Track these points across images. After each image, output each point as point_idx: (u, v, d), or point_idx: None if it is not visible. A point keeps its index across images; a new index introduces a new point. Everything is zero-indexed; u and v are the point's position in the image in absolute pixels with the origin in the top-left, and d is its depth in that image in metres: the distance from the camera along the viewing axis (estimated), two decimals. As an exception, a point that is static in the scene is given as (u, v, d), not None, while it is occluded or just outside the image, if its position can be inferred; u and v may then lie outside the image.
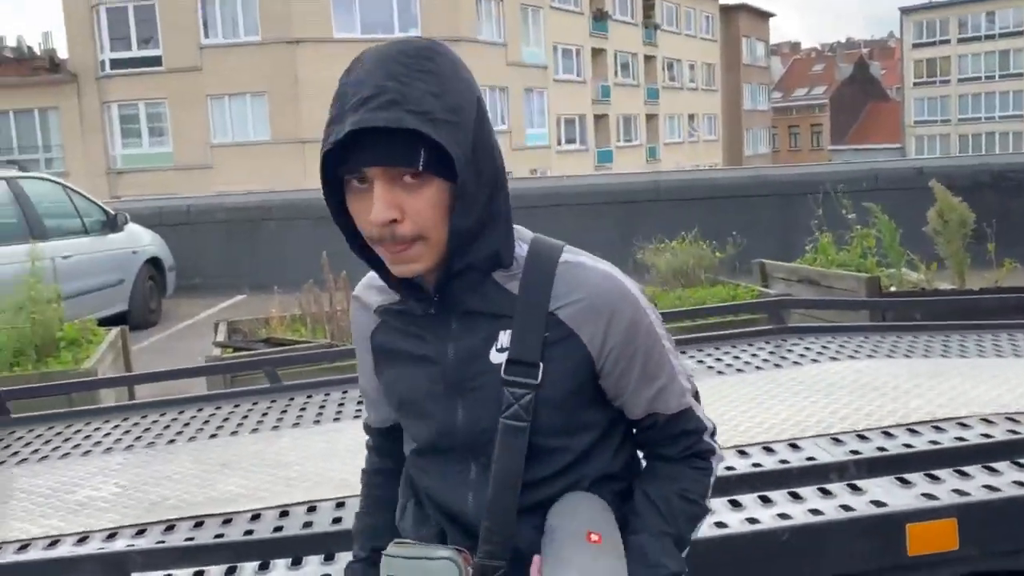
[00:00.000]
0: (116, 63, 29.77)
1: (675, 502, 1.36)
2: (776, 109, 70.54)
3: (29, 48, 36.43)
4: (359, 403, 3.69)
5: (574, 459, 1.35)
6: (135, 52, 29.75)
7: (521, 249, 1.34)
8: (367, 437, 1.61)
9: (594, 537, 1.28)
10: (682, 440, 1.39)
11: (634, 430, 1.44)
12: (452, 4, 29.63)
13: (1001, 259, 6.50)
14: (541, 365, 1.29)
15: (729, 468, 2.40)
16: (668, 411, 1.38)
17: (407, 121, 1.16)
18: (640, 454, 1.48)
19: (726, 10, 55.11)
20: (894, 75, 73.76)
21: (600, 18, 40.60)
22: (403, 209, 1.21)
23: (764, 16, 61.81)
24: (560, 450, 1.34)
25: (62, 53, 32.28)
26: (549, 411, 1.30)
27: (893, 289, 5.99)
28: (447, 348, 1.33)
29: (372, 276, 1.43)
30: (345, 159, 1.22)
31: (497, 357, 1.30)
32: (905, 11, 67.59)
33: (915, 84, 66.86)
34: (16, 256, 7.03)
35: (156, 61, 29.53)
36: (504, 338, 1.30)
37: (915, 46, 66.90)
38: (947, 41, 65.09)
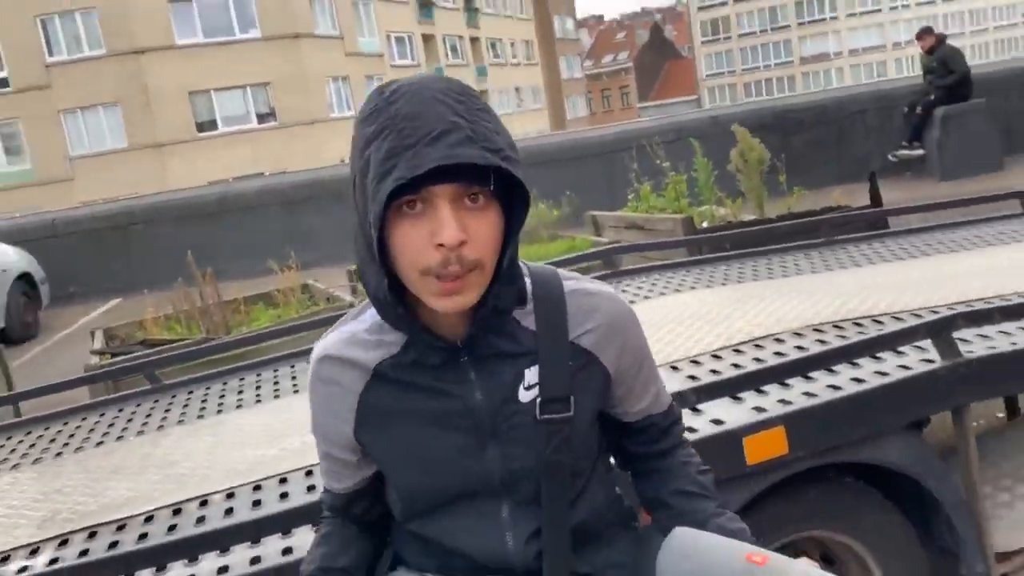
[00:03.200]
0: (-39, 88, 27.38)
1: (702, 480, 1.31)
2: (589, 76, 71.61)
3: None
4: (240, 392, 3.50)
5: (590, 477, 1.26)
6: (-21, 76, 27.43)
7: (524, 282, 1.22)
8: (322, 502, 1.39)
9: (756, 558, 1.11)
10: (673, 429, 1.34)
11: (619, 437, 1.35)
12: (286, 2, 28.47)
13: (791, 188, 6.77)
14: (572, 397, 1.19)
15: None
16: (661, 409, 1.33)
17: (491, 159, 1.04)
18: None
19: (536, -9, 55.31)
20: (684, 36, 76.10)
21: (425, 5, 39.98)
22: (468, 231, 1.06)
23: (569, -7, 62.43)
24: (583, 471, 1.25)
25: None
26: (579, 437, 1.21)
27: (705, 224, 6.16)
28: (474, 394, 1.18)
29: (344, 333, 1.23)
30: (402, 186, 1.03)
31: (526, 395, 1.18)
32: (689, -21, 69.73)
33: (703, 43, 69.25)
34: None
35: (3, 83, 27.30)
36: (530, 375, 1.19)
37: (700, 9, 69.21)
38: (725, 3, 67.55)
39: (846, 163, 10.79)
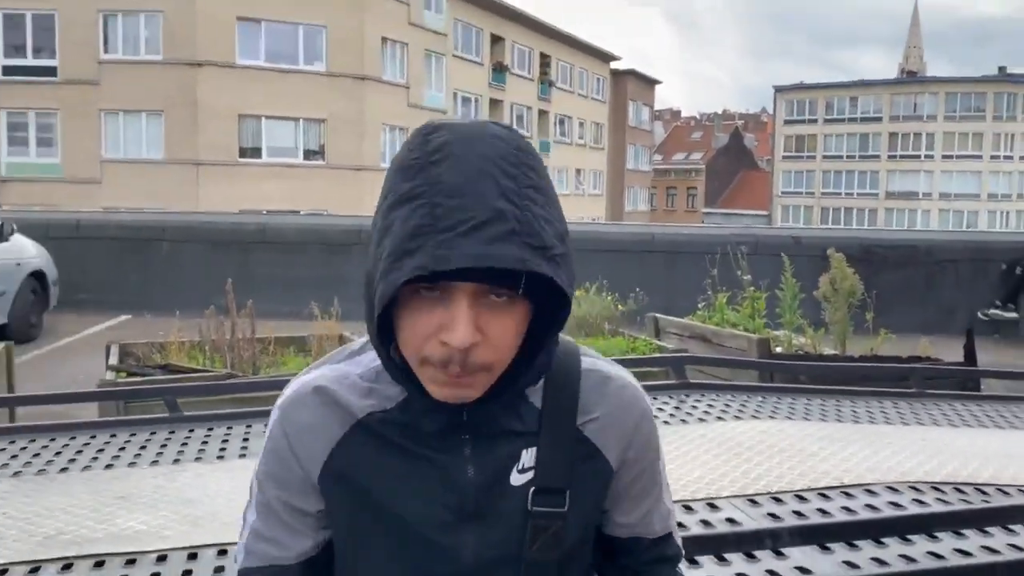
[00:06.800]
0: (9, 70, 28.38)
1: None
2: (656, 170, 72.58)
3: (-85, 46, 34.40)
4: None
5: None
6: (30, 60, 28.44)
7: None
8: None
9: None
10: (658, 569, 1.23)
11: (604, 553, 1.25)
12: (358, 42, 29.43)
13: (876, 328, 6.72)
14: (568, 492, 1.11)
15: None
16: (651, 535, 1.22)
17: (532, 264, 0.94)
18: None
19: (616, 74, 56.56)
20: (765, 147, 77.13)
21: (499, 70, 41.07)
22: (484, 331, 0.98)
23: (650, 83, 63.72)
24: None
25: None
26: (570, 539, 1.12)
27: (779, 350, 6.12)
28: (466, 469, 1.09)
29: (335, 371, 1.13)
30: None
31: (518, 479, 1.10)
32: (779, 89, 70.97)
33: (784, 157, 69.99)
34: None
35: (50, 71, 28.26)
36: (527, 457, 1.10)
37: (787, 122, 70.18)
38: (815, 120, 68.54)
39: (931, 311, 10.75)
